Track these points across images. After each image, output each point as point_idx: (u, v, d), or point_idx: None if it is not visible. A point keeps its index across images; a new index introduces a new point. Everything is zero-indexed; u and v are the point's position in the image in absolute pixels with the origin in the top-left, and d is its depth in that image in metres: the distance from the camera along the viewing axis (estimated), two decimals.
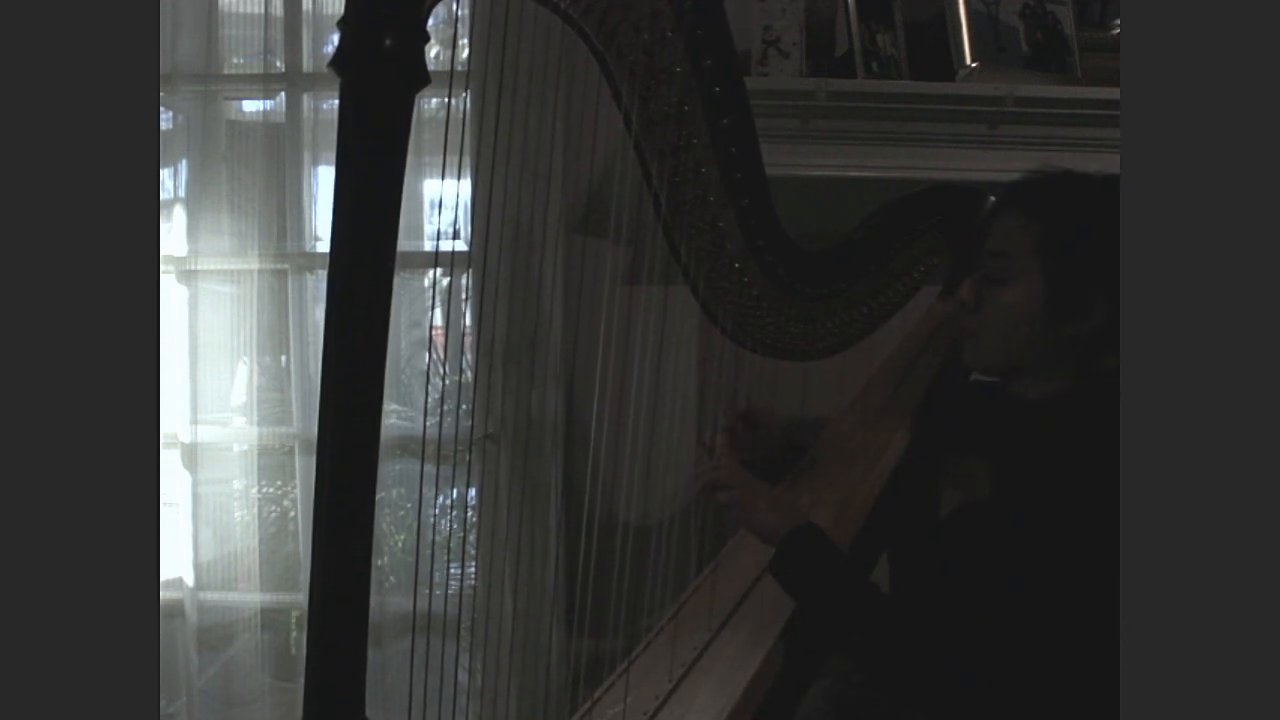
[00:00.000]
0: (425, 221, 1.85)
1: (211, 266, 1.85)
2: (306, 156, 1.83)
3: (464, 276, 1.73)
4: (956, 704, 1.04)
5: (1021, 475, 1.07)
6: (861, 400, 1.52)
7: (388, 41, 0.65)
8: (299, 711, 0.74)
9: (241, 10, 1.82)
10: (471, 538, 1.81)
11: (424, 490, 1.30)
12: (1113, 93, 1.76)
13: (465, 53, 1.69)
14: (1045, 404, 1.10)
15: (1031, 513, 1.01)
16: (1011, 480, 1.08)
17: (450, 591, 1.85)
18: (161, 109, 1.81)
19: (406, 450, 1.84)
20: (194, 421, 1.85)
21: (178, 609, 1.88)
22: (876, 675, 1.15)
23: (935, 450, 1.24)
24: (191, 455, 1.86)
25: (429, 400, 1.85)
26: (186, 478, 1.87)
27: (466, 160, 1.70)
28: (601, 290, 1.59)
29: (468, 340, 1.81)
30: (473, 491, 1.79)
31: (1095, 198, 1.09)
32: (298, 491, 1.89)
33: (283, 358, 1.91)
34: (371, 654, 1.46)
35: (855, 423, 1.47)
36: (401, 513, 1.93)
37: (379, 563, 1.90)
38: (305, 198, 1.84)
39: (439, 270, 1.73)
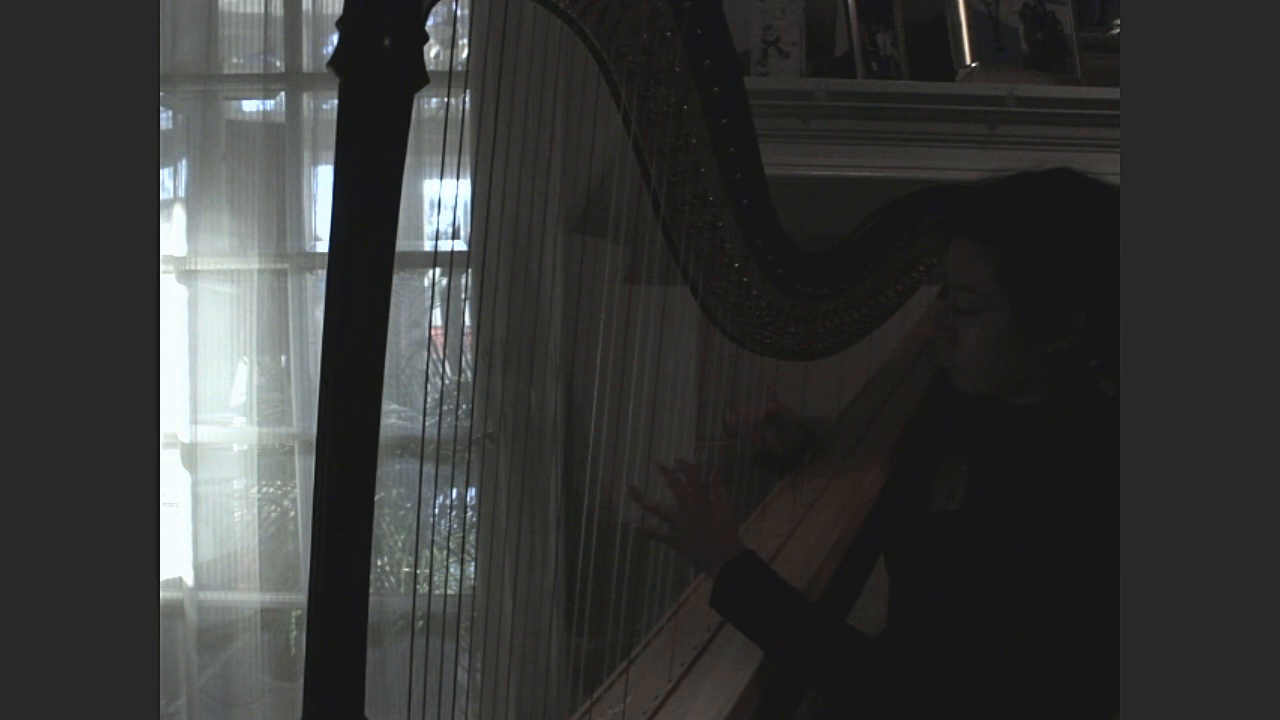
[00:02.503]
0: (425, 221, 1.85)
1: (211, 266, 1.85)
2: (306, 156, 1.83)
3: (463, 276, 1.73)
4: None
5: (1006, 478, 1.07)
6: (861, 401, 1.52)
7: (386, 42, 0.65)
8: (299, 711, 0.74)
9: (241, 10, 1.82)
10: (471, 537, 1.81)
11: (424, 490, 1.30)
12: (1113, 93, 1.76)
13: (465, 53, 1.69)
14: (1028, 408, 1.10)
15: (1012, 514, 1.01)
16: (994, 483, 1.08)
17: (450, 591, 1.85)
18: (161, 109, 1.81)
19: (406, 450, 1.84)
20: (194, 421, 1.85)
21: (178, 609, 1.88)
22: (839, 704, 1.15)
23: (930, 454, 1.24)
24: (191, 455, 1.86)
25: (429, 400, 1.85)
26: (186, 478, 1.87)
27: (466, 160, 1.70)
28: (601, 290, 1.59)
29: (467, 340, 1.81)
30: (472, 491, 1.79)
31: (1047, 204, 1.05)
32: (298, 491, 1.89)
33: (283, 358, 1.91)
34: (371, 654, 1.46)
35: (855, 423, 1.47)
36: (401, 513, 1.93)
37: (379, 563, 1.90)
38: (305, 198, 1.84)
39: (438, 270, 1.73)
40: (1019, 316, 1.04)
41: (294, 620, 1.95)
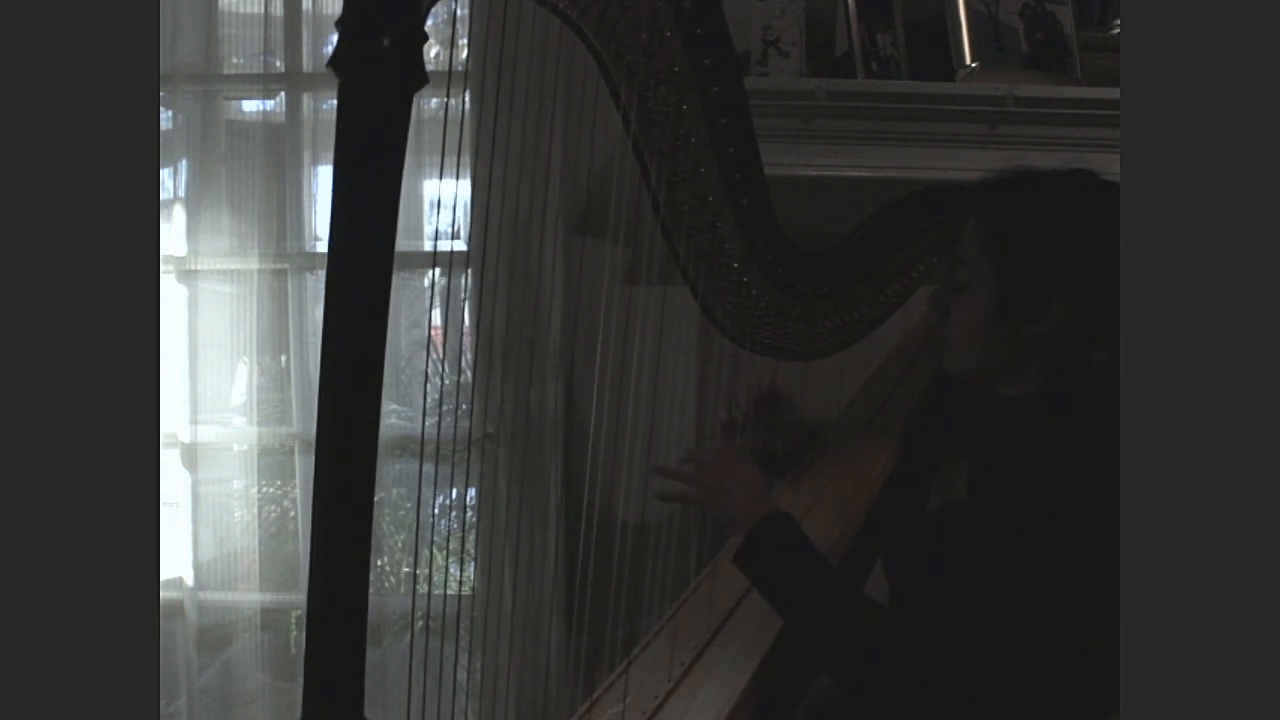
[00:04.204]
0: (425, 221, 1.85)
1: (211, 266, 1.85)
2: (306, 156, 1.83)
3: (463, 276, 1.73)
4: (940, 710, 1.03)
5: (998, 474, 1.07)
6: (861, 400, 1.52)
7: (386, 42, 0.65)
8: (299, 711, 0.74)
9: (241, 10, 1.82)
10: (471, 537, 1.81)
11: (424, 490, 1.31)
12: (1113, 93, 1.76)
13: (464, 53, 1.69)
14: (1022, 402, 1.10)
15: (1007, 511, 1.01)
16: (988, 479, 1.08)
17: (450, 591, 1.85)
18: (161, 109, 1.81)
19: (406, 450, 1.84)
20: (194, 421, 1.86)
21: (178, 609, 1.88)
22: (853, 682, 1.14)
23: (930, 450, 1.24)
24: (191, 455, 1.86)
25: (428, 400, 1.85)
26: (186, 478, 1.87)
27: (466, 160, 1.70)
28: (600, 290, 1.59)
29: (467, 340, 1.81)
30: (472, 491, 1.79)
31: (1049, 196, 1.07)
32: (298, 491, 1.89)
33: (283, 358, 1.91)
34: (371, 654, 1.46)
35: (855, 422, 1.47)
36: (401, 513, 1.93)
37: (379, 563, 1.90)
38: (305, 198, 1.84)
39: (438, 270, 1.73)
40: (997, 294, 1.06)
41: (294, 620, 1.95)
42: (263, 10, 1.78)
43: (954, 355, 1.13)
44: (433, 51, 0.69)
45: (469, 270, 1.68)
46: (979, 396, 1.14)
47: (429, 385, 1.86)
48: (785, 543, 1.09)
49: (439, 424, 1.81)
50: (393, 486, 1.88)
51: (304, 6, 1.80)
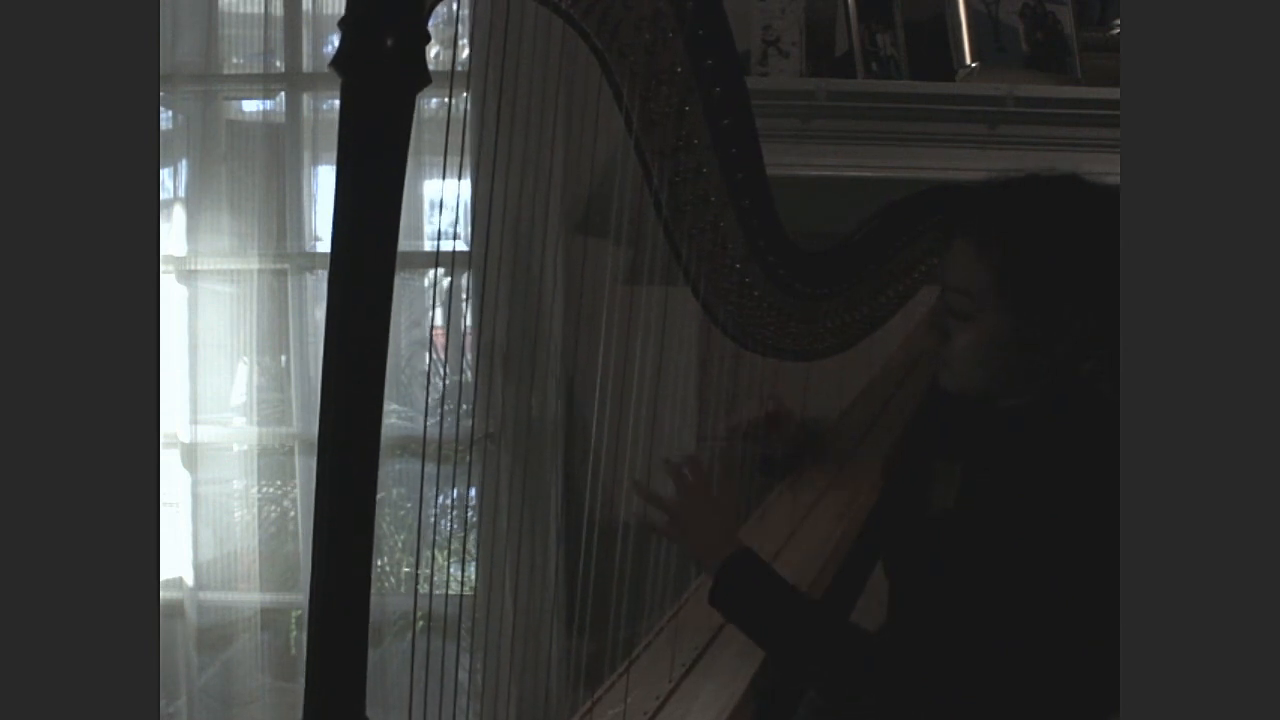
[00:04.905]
0: (425, 222, 1.85)
1: (211, 266, 1.85)
2: (306, 156, 1.83)
3: (464, 277, 1.73)
4: (941, 712, 1.03)
5: (997, 476, 1.06)
6: (861, 403, 1.52)
7: (389, 42, 0.65)
8: (299, 711, 0.74)
9: (241, 10, 1.82)
10: (472, 538, 1.81)
11: (424, 490, 1.31)
12: (1113, 93, 1.76)
13: (465, 53, 1.70)
14: (1019, 411, 1.09)
15: (1007, 513, 1.01)
16: (988, 481, 1.08)
17: (450, 591, 1.85)
18: (161, 109, 1.81)
19: (406, 450, 1.84)
20: (194, 421, 1.86)
21: (178, 609, 1.88)
22: (842, 700, 1.14)
23: (929, 454, 1.24)
24: (191, 455, 1.86)
25: (429, 400, 1.85)
26: (186, 478, 1.87)
27: (467, 160, 1.70)
28: (602, 290, 1.59)
29: (468, 340, 1.81)
30: (473, 491, 1.80)
31: (1051, 215, 1.05)
32: (298, 491, 1.89)
33: (283, 358, 1.91)
34: (371, 654, 1.46)
35: (856, 424, 1.48)
36: (401, 513, 1.93)
37: (379, 563, 1.90)
38: (305, 198, 1.84)
39: (439, 270, 1.73)
40: (1014, 323, 1.04)
41: (294, 620, 1.95)
42: (263, 10, 1.78)
43: (955, 377, 1.11)
44: (433, 51, 0.68)
45: (470, 270, 1.68)
46: (974, 404, 1.13)
47: (430, 385, 1.86)
48: (752, 577, 1.10)
49: (440, 424, 1.81)
50: (393, 486, 1.89)
51: (304, 6, 1.80)
